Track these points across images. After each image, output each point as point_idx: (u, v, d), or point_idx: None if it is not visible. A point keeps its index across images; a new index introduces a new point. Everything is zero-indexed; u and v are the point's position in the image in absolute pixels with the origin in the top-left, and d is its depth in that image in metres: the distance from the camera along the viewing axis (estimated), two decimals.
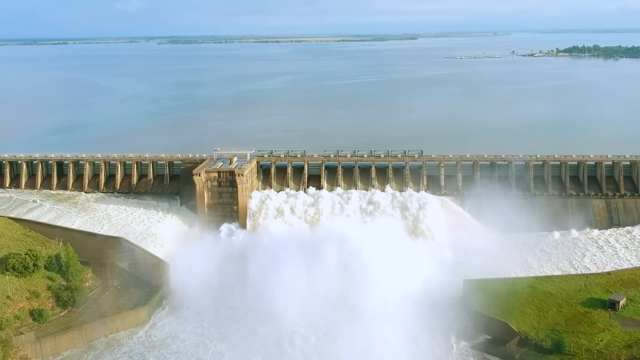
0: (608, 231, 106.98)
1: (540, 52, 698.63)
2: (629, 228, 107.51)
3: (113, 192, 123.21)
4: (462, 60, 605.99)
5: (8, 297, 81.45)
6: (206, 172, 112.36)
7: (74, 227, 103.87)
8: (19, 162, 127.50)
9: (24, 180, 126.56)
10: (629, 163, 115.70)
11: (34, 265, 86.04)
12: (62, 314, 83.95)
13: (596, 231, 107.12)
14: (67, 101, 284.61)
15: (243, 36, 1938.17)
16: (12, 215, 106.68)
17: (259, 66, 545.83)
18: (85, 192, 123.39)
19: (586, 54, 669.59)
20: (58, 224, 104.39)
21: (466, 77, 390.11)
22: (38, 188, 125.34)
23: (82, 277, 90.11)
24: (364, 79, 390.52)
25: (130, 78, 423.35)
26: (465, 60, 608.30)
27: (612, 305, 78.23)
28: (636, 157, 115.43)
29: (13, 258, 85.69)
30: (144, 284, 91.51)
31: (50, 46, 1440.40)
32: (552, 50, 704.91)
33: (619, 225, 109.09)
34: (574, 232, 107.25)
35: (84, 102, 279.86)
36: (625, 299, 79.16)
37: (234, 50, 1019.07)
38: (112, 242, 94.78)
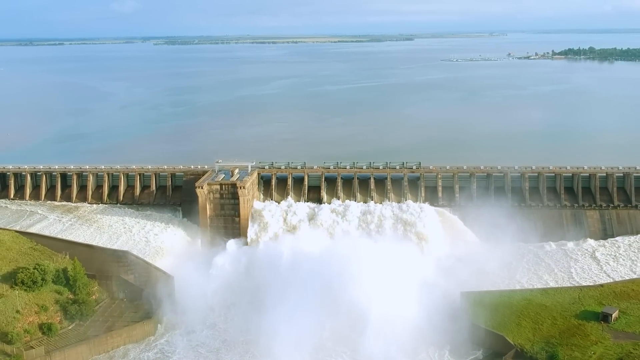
0: (602, 242, 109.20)
1: (536, 54, 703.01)
2: (621, 239, 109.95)
3: (116, 204, 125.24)
4: (459, 64, 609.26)
5: (18, 311, 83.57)
6: (208, 184, 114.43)
7: (79, 240, 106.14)
8: (23, 173, 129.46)
9: (28, 191, 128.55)
10: (622, 175, 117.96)
11: (42, 279, 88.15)
12: (70, 328, 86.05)
13: (590, 242, 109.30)
14: (67, 108, 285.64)
15: (240, 36, 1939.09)
16: (17, 228, 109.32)
17: (257, 69, 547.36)
18: (89, 204, 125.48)
19: (582, 57, 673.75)
20: (63, 236, 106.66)
21: (462, 81, 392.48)
22: (42, 199, 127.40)
23: (88, 291, 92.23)
24: (362, 84, 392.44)
25: (128, 82, 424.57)
26: (462, 64, 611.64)
27: (605, 317, 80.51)
28: (629, 168, 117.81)
29: (22, 272, 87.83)
30: (150, 297, 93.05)
31: (47, 47, 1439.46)
32: (547, 53, 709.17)
33: (612, 236, 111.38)
34: (569, 244, 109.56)
35: (84, 108, 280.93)
36: (617, 311, 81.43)
37: (230, 52, 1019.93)
38: (118, 256, 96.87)
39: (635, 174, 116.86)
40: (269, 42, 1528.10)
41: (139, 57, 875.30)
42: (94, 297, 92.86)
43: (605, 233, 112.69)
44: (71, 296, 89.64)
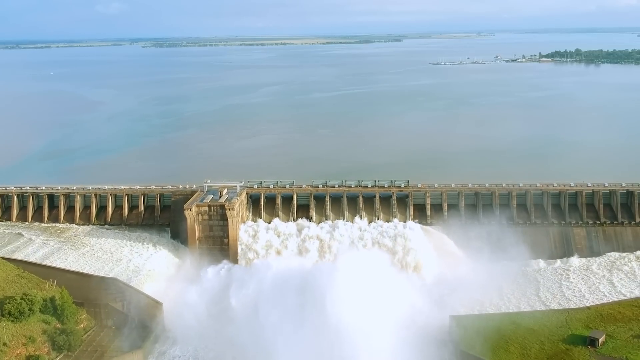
0: (588, 260, 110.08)
1: (524, 57, 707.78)
2: (608, 256, 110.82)
3: (104, 225, 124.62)
4: (447, 67, 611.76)
5: (5, 344, 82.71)
6: (197, 206, 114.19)
7: (66, 264, 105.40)
8: (10, 194, 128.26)
9: (15, 212, 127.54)
10: (608, 191, 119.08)
11: (30, 309, 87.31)
12: (58, 359, 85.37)
13: (577, 260, 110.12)
14: (54, 119, 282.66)
15: (227, 38, 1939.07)
16: (4, 252, 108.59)
17: (245, 75, 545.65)
18: (77, 225, 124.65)
19: (568, 59, 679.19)
20: (51, 261, 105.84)
21: (450, 88, 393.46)
22: (29, 221, 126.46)
23: (76, 319, 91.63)
24: (349, 90, 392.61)
25: (116, 90, 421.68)
26: (450, 67, 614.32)
27: (592, 342, 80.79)
28: (615, 185, 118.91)
29: (9, 303, 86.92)
30: (139, 324, 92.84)
31: (34, 50, 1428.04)
32: (534, 55, 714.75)
33: (599, 254, 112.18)
34: (556, 262, 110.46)
35: (72, 120, 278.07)
36: (604, 335, 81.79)
37: (219, 55, 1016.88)
38: (106, 283, 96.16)
39: (621, 191, 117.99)
40: (257, 44, 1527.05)
41: (127, 62, 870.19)
42: (82, 325, 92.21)
43: (592, 250, 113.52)
44: (59, 325, 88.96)
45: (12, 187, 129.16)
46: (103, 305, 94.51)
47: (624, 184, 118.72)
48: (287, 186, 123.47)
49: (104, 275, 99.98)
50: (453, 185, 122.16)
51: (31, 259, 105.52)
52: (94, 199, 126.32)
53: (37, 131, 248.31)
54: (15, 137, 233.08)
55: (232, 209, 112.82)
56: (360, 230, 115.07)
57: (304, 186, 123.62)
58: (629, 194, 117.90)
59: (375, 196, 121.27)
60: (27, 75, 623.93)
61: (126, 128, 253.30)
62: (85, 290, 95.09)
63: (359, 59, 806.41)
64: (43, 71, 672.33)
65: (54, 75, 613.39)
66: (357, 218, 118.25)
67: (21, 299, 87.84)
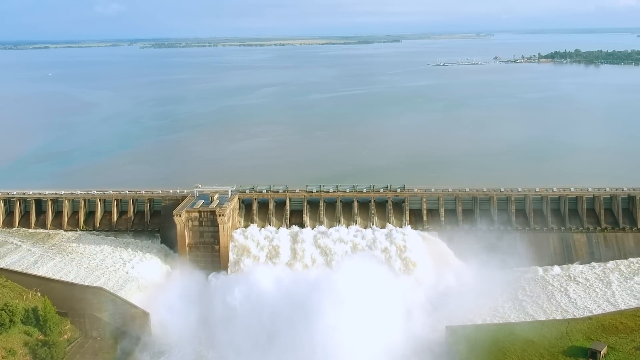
0: (589, 266, 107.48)
1: (523, 57, 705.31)
2: (609, 263, 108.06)
3: (93, 230, 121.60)
4: (445, 68, 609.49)
5: None
6: (187, 212, 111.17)
7: (52, 272, 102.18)
8: None
9: (1, 218, 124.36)
10: (609, 196, 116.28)
11: (10, 321, 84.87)
12: None
13: (578, 266, 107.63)
14: (48, 121, 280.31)
15: (226, 39, 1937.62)
16: None
17: (243, 76, 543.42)
18: (65, 231, 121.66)
19: (568, 60, 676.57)
20: (37, 268, 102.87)
21: (448, 89, 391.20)
22: (16, 226, 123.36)
23: (60, 330, 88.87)
24: (347, 92, 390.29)
25: (112, 91, 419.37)
26: (448, 68, 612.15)
27: (593, 354, 78.10)
28: (616, 190, 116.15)
29: None
30: (124, 335, 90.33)
31: (32, 50, 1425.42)
32: (534, 56, 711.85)
33: (600, 260, 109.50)
34: (556, 268, 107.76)
35: (66, 122, 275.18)
36: (606, 347, 79.06)
37: (218, 56, 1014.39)
38: (92, 293, 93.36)
39: (622, 196, 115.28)
40: (256, 44, 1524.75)
41: (125, 63, 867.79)
42: (65, 336, 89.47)
43: (593, 256, 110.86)
44: (41, 337, 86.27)
45: None
46: (88, 315, 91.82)
47: (625, 189, 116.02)
48: (280, 191, 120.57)
49: (89, 285, 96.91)
50: (450, 189, 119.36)
51: (16, 267, 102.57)
52: (82, 204, 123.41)
53: (30, 133, 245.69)
54: (6, 140, 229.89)
55: (223, 215, 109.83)
56: (355, 236, 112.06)
57: (297, 191, 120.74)
58: (631, 199, 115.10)
59: (370, 201, 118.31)
60: (25, 76, 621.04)
61: (120, 130, 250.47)
62: (70, 300, 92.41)
63: (358, 60, 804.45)
64: (41, 72, 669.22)
65: (52, 76, 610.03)
66: (352, 224, 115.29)
67: (2, 309, 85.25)
